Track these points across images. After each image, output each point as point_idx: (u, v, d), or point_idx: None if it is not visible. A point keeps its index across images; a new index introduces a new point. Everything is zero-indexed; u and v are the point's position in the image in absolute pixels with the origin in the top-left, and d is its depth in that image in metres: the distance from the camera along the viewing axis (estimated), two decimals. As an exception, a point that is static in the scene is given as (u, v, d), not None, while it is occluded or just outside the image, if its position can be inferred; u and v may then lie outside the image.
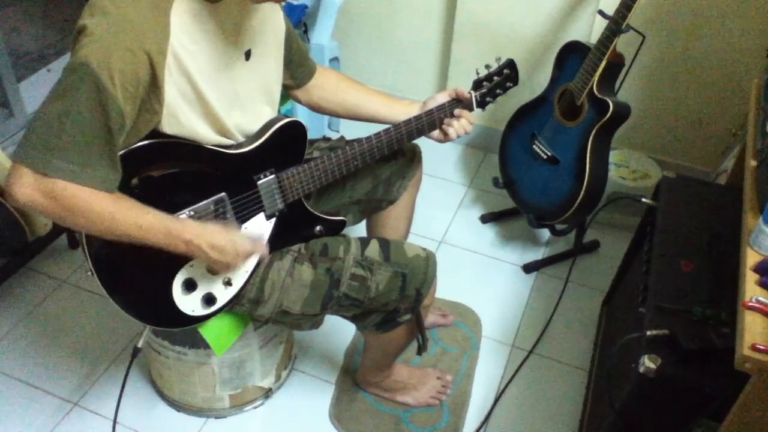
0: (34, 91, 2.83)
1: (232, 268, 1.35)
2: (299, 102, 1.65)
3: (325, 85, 1.63)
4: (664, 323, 1.29)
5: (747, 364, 1.07)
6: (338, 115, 1.66)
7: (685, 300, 1.34)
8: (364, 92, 1.64)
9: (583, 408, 1.82)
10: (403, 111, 1.58)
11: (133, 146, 1.21)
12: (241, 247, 1.30)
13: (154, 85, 1.16)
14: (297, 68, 1.57)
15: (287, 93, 1.64)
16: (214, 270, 1.38)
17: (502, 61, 1.59)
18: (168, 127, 1.23)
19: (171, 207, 1.28)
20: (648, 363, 1.23)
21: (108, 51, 1.09)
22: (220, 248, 1.27)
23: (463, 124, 1.56)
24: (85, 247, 1.26)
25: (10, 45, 3.13)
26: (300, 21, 2.39)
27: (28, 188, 1.10)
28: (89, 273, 1.29)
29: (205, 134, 1.30)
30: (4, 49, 2.51)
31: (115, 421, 1.60)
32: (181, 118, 1.23)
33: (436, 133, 1.58)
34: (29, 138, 1.10)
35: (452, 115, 1.56)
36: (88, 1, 1.13)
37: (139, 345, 1.51)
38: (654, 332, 1.27)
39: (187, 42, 1.18)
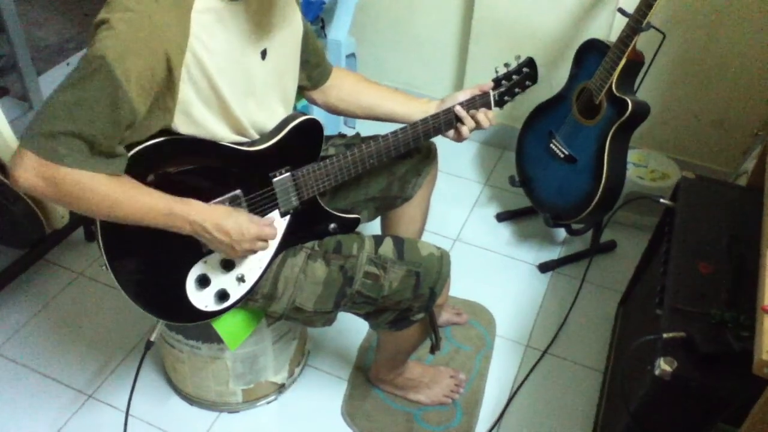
0: (54, 85, 2.83)
1: (240, 251, 1.31)
2: (315, 104, 1.65)
3: (341, 86, 1.62)
4: (681, 325, 1.28)
5: (766, 369, 1.06)
6: (355, 116, 1.66)
7: (703, 302, 1.33)
8: (381, 92, 1.63)
9: (597, 410, 1.81)
10: (421, 110, 1.57)
11: (150, 143, 1.21)
12: (247, 231, 1.28)
13: (169, 83, 1.16)
14: (313, 69, 1.57)
15: (302, 94, 1.63)
16: (229, 253, 1.32)
17: (522, 59, 1.58)
18: (182, 126, 1.23)
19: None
20: (664, 365, 1.22)
21: (126, 46, 1.09)
22: (226, 231, 1.26)
23: (482, 118, 1.53)
24: (100, 241, 1.26)
25: (30, 38, 3.16)
26: (317, 17, 2.39)
27: (31, 173, 1.10)
28: (103, 267, 1.30)
29: (222, 133, 1.30)
30: (25, 43, 2.53)
31: (127, 414, 1.61)
32: (196, 117, 1.23)
33: (451, 132, 1.57)
34: (37, 124, 1.09)
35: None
36: None
37: (153, 338, 1.52)
38: (670, 334, 1.26)
39: (207, 40, 1.18)
